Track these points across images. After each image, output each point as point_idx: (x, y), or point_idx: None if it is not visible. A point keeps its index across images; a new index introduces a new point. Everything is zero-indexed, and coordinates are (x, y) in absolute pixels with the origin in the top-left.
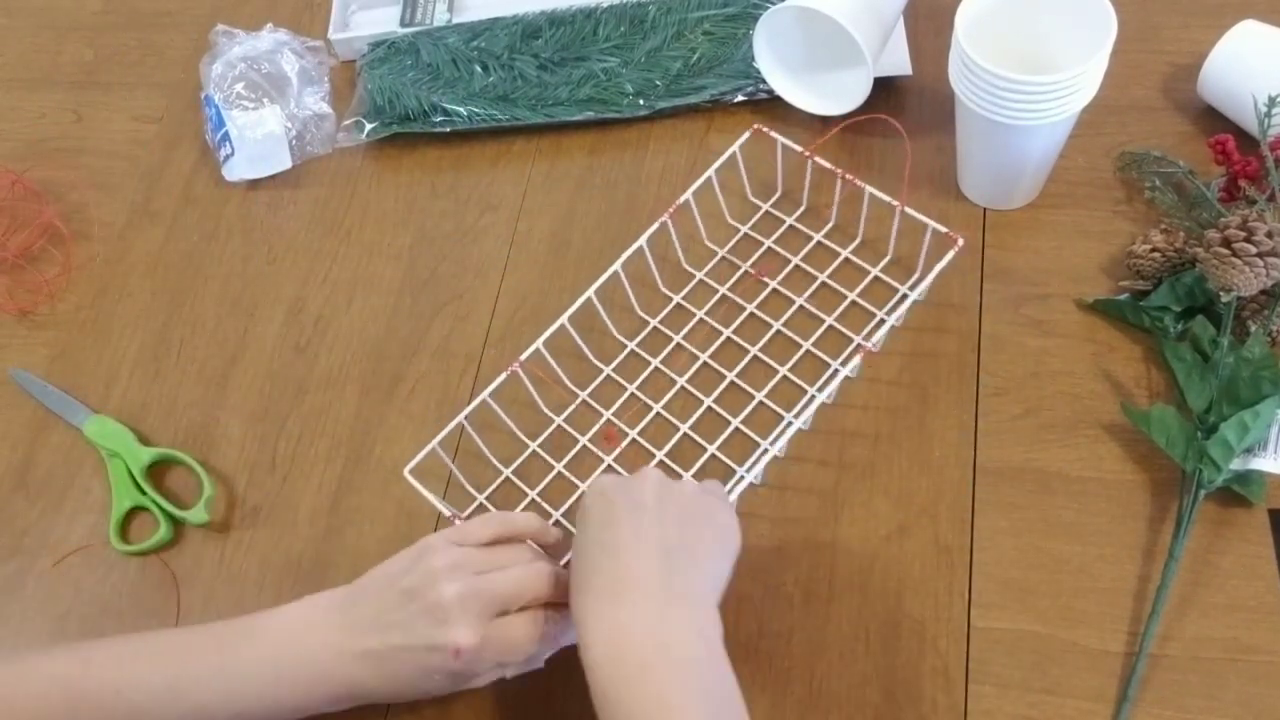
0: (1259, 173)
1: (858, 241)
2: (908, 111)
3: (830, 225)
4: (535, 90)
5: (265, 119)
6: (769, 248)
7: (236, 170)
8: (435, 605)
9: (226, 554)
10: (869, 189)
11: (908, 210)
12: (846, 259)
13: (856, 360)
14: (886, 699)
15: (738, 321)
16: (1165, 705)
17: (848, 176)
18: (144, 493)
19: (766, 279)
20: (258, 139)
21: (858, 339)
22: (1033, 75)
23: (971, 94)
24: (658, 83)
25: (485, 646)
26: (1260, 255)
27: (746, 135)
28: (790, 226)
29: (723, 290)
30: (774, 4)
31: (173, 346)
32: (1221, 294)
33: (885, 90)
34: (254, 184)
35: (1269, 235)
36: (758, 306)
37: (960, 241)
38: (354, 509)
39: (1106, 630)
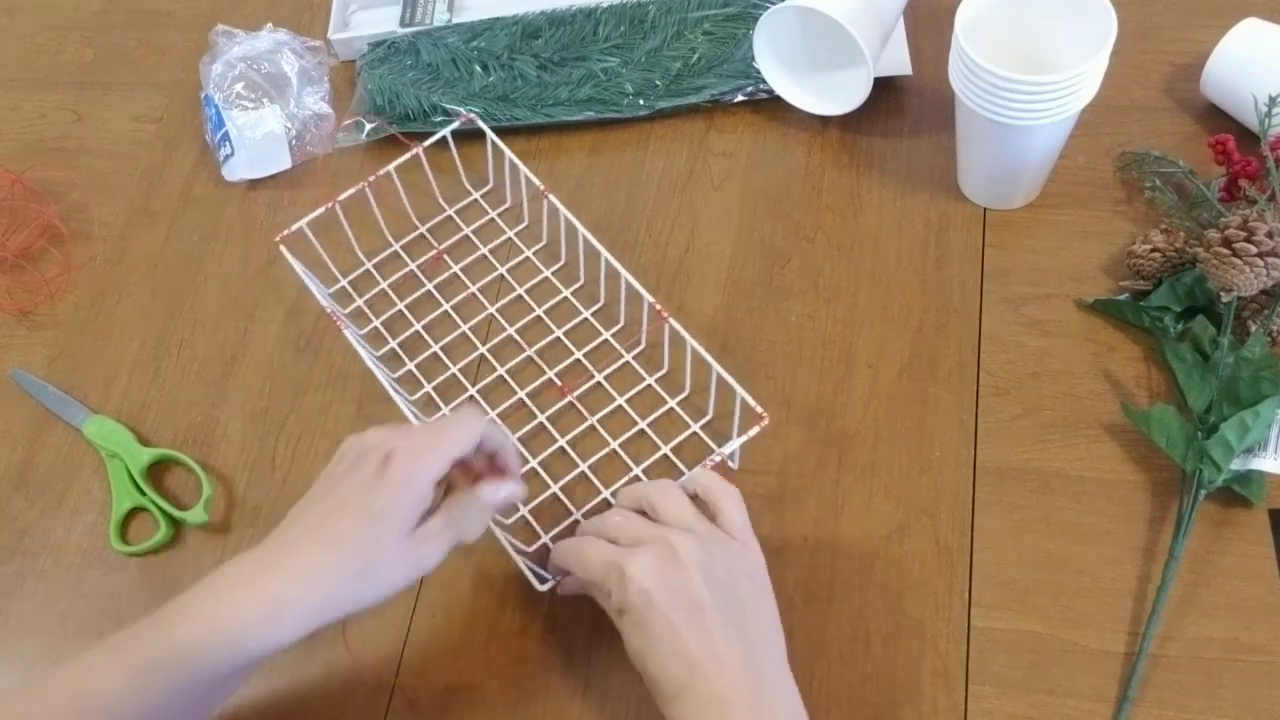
0: (1259, 172)
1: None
2: (908, 111)
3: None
4: (535, 90)
5: (265, 119)
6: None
7: (236, 170)
8: (359, 444)
9: (226, 554)
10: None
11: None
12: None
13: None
14: (886, 699)
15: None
16: (1165, 705)
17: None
18: (144, 493)
19: (569, 395)
20: (257, 139)
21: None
22: (1033, 75)
23: (971, 94)
24: (658, 83)
25: (416, 444)
26: (1260, 255)
27: None
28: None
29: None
30: (774, 4)
31: (173, 346)
32: (1222, 294)
33: (885, 90)
34: (254, 184)
35: (1269, 235)
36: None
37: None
38: None
39: (1106, 630)
